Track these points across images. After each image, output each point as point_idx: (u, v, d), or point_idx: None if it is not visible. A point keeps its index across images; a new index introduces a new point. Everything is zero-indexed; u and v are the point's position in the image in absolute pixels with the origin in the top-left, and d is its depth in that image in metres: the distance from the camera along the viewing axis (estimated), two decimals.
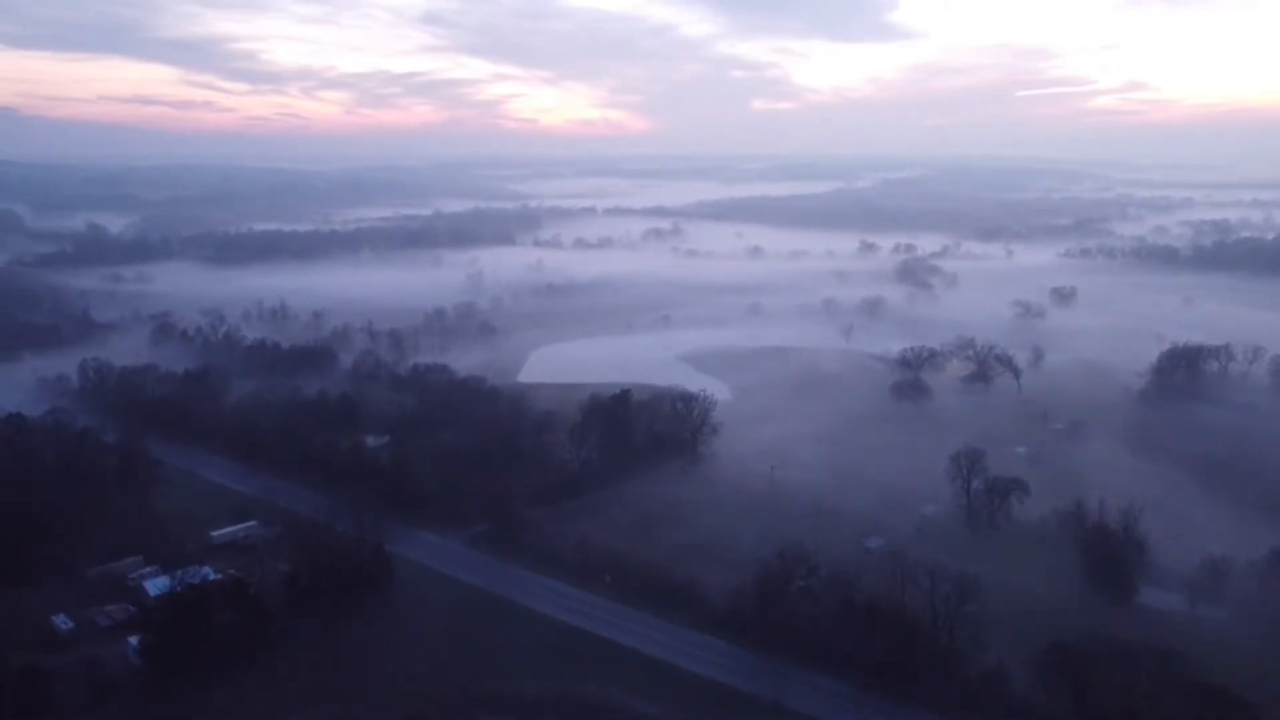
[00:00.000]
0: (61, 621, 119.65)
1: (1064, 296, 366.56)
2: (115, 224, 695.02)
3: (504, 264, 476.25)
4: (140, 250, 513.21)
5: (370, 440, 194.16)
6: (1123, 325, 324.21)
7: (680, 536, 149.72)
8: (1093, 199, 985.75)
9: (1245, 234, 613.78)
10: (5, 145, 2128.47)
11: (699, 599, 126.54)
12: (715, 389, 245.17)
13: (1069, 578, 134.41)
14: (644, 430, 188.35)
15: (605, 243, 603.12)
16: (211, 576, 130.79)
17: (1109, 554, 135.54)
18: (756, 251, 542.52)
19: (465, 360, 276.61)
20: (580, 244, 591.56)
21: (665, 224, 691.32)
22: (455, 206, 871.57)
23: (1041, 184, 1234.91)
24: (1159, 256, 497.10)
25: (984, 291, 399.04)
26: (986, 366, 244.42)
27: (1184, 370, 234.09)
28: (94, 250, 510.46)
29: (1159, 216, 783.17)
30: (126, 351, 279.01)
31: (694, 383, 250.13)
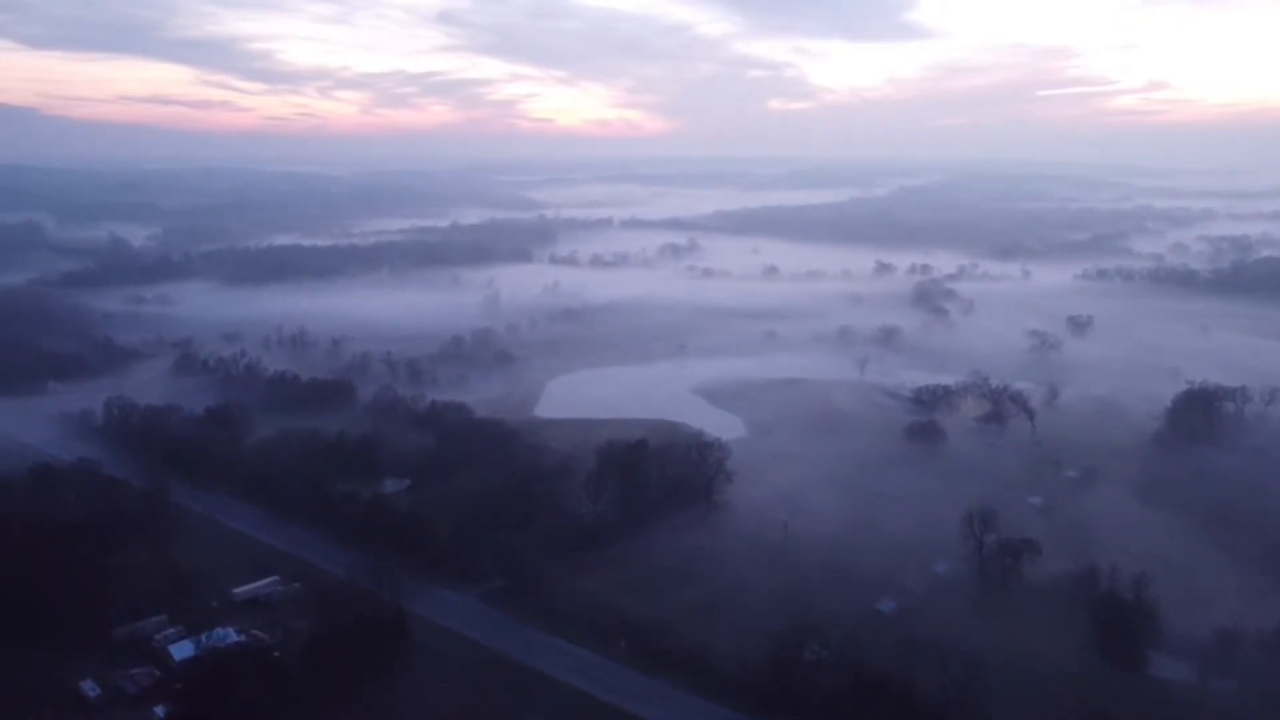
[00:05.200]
0: (89, 688, 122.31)
1: (1080, 325, 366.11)
2: (136, 234, 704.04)
3: (520, 284, 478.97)
4: (161, 269, 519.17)
5: (389, 484, 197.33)
6: (1139, 358, 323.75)
7: (694, 595, 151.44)
8: (1111, 210, 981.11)
9: (1266, 252, 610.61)
10: (27, 146, 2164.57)
11: (712, 666, 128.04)
12: (729, 425, 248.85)
13: (1080, 645, 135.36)
14: (659, 477, 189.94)
15: (621, 260, 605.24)
16: (234, 638, 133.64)
17: (1119, 622, 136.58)
18: (772, 271, 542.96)
19: (483, 392, 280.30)
20: (596, 261, 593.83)
21: (681, 239, 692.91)
22: (472, 217, 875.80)
23: (1060, 192, 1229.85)
24: (1177, 279, 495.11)
25: (1000, 318, 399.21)
26: (1001, 406, 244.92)
27: (1199, 413, 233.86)
28: (116, 268, 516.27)
29: (1178, 231, 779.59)
30: (149, 382, 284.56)
31: (709, 418, 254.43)
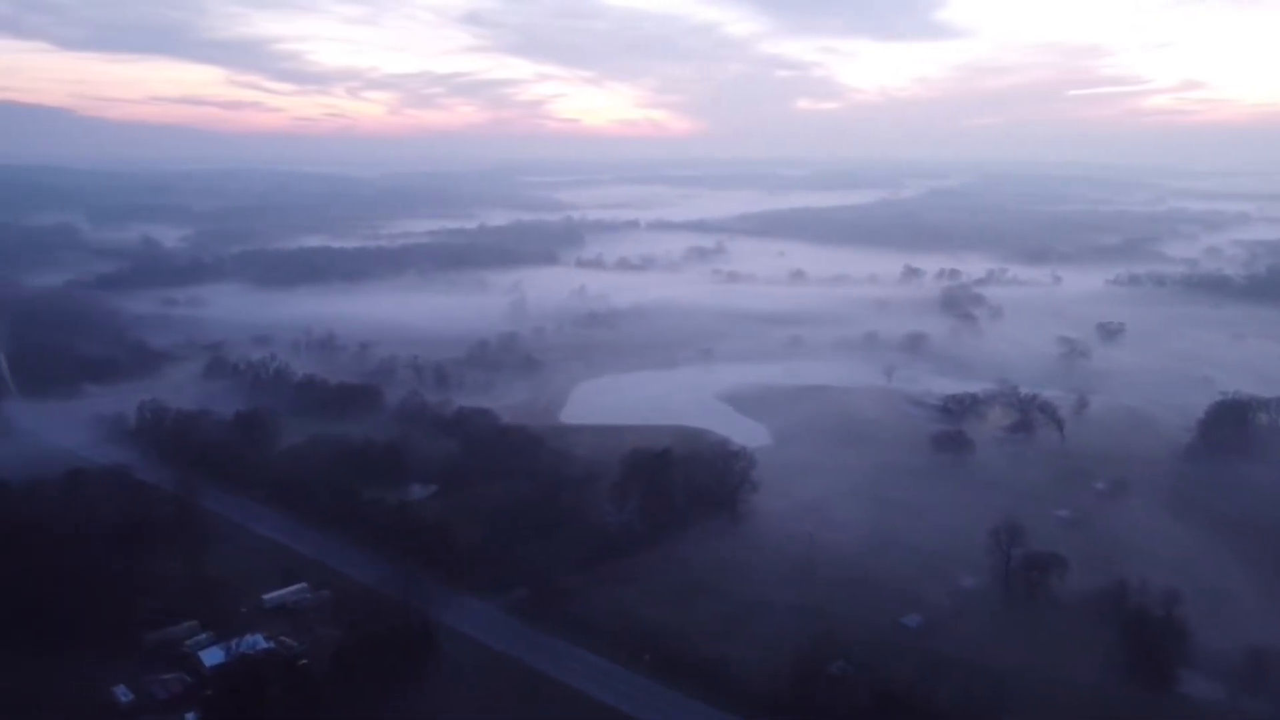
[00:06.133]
0: (122, 693, 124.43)
1: (1110, 332, 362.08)
2: (169, 236, 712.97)
3: (546, 287, 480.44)
4: (193, 271, 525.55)
5: (416, 490, 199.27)
6: (1170, 367, 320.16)
7: (718, 606, 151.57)
8: (1143, 213, 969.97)
9: None
10: (62, 147, 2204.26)
11: (736, 680, 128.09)
12: (754, 432, 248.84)
13: (1108, 662, 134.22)
14: (684, 486, 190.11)
15: (648, 263, 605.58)
16: (262, 645, 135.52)
17: (1149, 639, 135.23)
18: (798, 275, 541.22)
19: (508, 397, 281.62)
20: (623, 264, 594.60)
21: (708, 241, 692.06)
22: (498, 218, 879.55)
23: (1091, 194, 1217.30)
24: (1210, 285, 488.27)
25: (1029, 325, 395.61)
26: (1029, 415, 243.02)
27: (1233, 424, 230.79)
28: (148, 270, 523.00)
29: (1212, 235, 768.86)
30: (181, 385, 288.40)
31: (733, 425, 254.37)
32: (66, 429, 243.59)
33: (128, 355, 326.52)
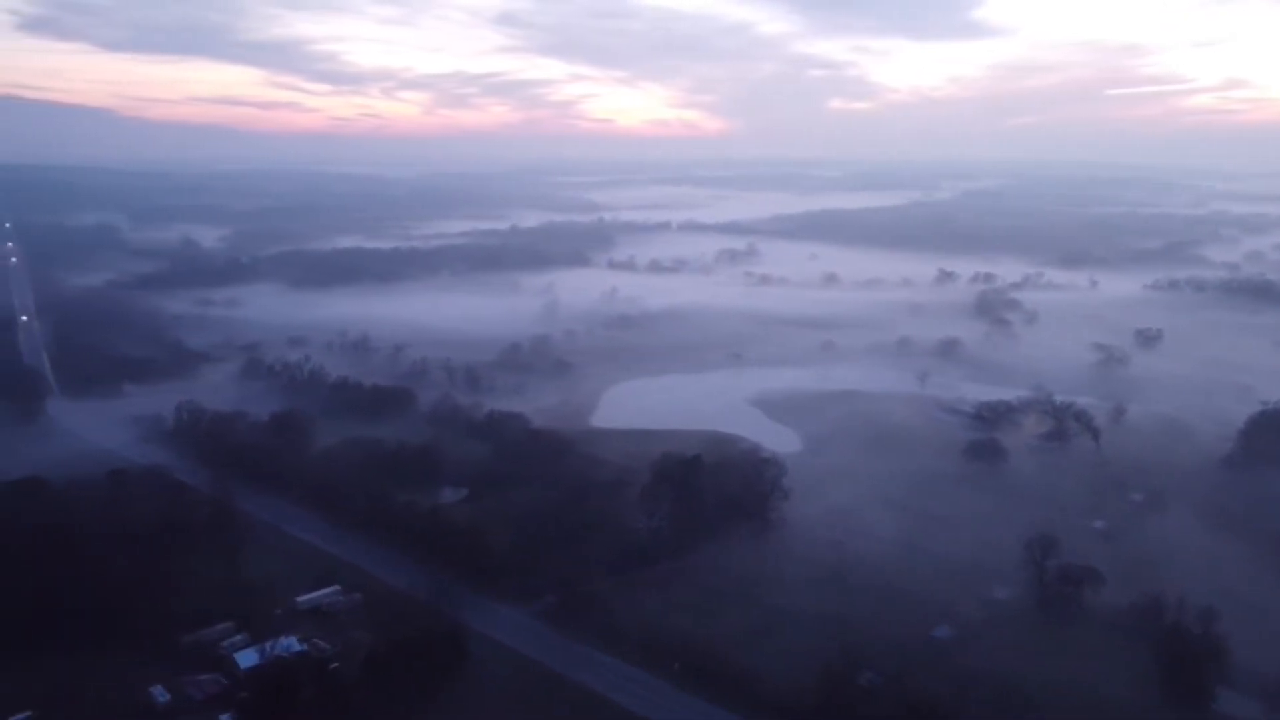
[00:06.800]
0: (159, 693, 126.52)
1: (1149, 339, 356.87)
2: (207, 236, 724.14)
3: (578, 289, 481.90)
4: (230, 271, 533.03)
5: (448, 493, 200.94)
6: (1210, 375, 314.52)
7: (747, 615, 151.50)
8: (1184, 216, 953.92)
9: None
10: (105, 148, 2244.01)
11: (764, 690, 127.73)
12: (785, 438, 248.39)
13: (1143, 679, 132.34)
14: (714, 493, 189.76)
15: (679, 265, 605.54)
16: (296, 647, 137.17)
17: (1185, 656, 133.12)
18: (831, 278, 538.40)
19: (540, 400, 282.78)
20: (654, 266, 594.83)
21: (739, 243, 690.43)
22: (530, 219, 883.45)
23: (1130, 196, 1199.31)
24: (1252, 291, 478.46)
25: (1065, 331, 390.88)
26: (1064, 424, 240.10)
27: (1274, 435, 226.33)
28: (187, 271, 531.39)
29: (1255, 239, 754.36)
30: (218, 386, 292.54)
31: (764, 431, 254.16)
32: (106, 429, 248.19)
33: (166, 355, 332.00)
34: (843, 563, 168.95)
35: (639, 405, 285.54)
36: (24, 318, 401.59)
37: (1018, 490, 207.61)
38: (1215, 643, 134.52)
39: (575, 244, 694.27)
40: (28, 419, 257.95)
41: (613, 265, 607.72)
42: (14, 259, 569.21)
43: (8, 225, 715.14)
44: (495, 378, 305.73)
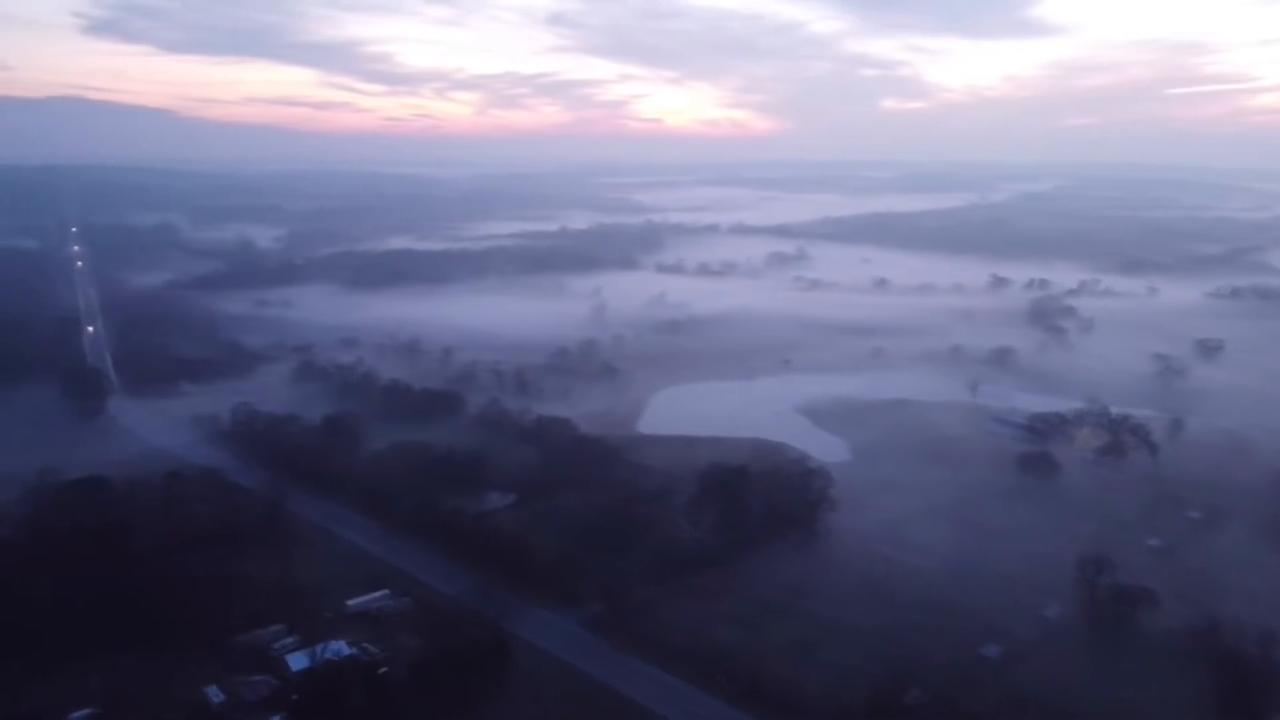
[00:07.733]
0: (214, 694, 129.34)
1: (1209, 350, 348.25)
2: (263, 236, 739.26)
3: (627, 293, 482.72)
4: (284, 272, 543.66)
5: (495, 499, 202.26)
6: (1272, 387, 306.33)
7: (793, 628, 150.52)
8: (1247, 220, 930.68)
9: None
10: (165, 148, 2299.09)
11: (809, 705, 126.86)
12: (833, 447, 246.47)
13: (1198, 704, 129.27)
14: (761, 503, 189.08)
15: (728, 268, 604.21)
16: (345, 651, 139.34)
17: (1243, 681, 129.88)
18: (882, 283, 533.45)
19: (587, 405, 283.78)
20: (703, 270, 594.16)
21: (789, 247, 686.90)
22: (580, 221, 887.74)
23: (1191, 200, 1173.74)
24: None
25: (1122, 340, 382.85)
26: (1120, 437, 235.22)
27: None
28: (243, 271, 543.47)
29: None
30: (272, 387, 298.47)
31: (811, 440, 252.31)
32: (164, 429, 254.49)
33: (223, 355, 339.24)
34: (891, 576, 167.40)
35: (686, 411, 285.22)
36: (88, 317, 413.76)
37: (1071, 505, 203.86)
38: (1275, 668, 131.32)
39: (624, 246, 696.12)
40: (90, 417, 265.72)
41: (661, 268, 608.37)
42: (80, 261, 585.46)
43: (74, 229, 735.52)
44: (543, 382, 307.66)
